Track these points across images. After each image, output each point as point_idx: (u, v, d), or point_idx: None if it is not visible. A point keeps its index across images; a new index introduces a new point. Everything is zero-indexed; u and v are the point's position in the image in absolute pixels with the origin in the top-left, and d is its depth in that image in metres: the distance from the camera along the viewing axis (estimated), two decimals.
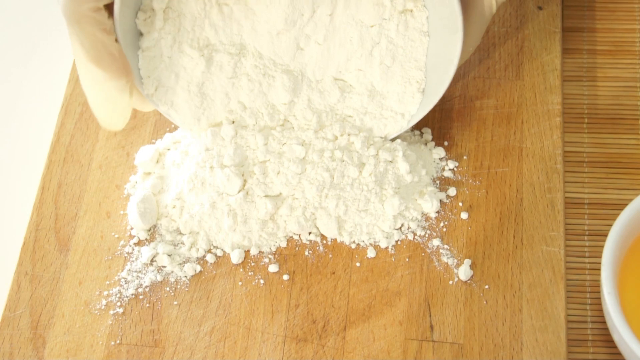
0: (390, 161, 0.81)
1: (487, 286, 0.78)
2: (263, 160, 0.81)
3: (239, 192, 0.80)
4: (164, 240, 0.81)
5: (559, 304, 0.77)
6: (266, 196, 0.80)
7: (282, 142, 0.81)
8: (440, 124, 0.86)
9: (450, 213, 0.82)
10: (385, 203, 0.81)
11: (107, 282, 0.80)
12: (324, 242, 0.81)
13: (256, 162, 0.81)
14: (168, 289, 0.80)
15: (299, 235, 0.81)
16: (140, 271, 0.80)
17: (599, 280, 0.78)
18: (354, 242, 0.81)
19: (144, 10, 0.79)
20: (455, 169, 0.84)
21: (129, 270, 0.80)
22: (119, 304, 0.79)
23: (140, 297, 0.79)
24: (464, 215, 0.82)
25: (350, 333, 0.77)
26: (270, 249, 0.81)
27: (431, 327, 0.77)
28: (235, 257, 0.80)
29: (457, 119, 0.87)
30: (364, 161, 0.81)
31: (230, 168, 0.80)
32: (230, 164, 0.80)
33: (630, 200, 0.77)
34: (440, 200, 0.83)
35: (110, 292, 0.80)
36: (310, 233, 0.81)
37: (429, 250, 0.80)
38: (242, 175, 0.80)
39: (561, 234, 0.80)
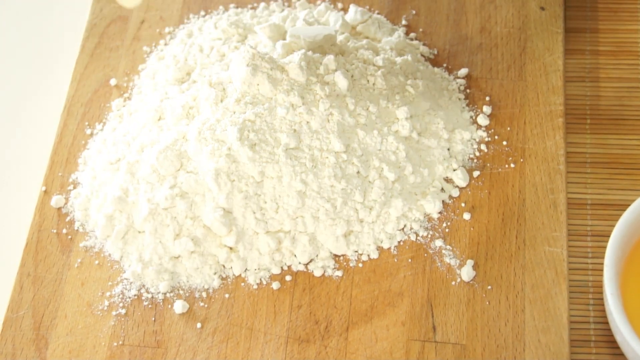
0: (394, 181, 0.81)
1: (489, 287, 0.78)
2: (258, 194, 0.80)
3: (229, 232, 0.80)
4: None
5: (562, 304, 0.77)
6: (267, 233, 0.80)
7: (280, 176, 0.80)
8: None
9: (452, 214, 0.82)
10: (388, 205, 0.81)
11: (110, 283, 0.80)
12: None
13: (250, 198, 0.80)
14: (170, 289, 0.80)
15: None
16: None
17: (601, 281, 0.78)
18: (356, 251, 0.81)
19: None
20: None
21: (132, 271, 0.80)
22: (121, 304, 0.79)
23: (143, 297, 0.79)
24: (466, 216, 0.82)
25: (353, 334, 0.77)
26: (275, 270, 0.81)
27: (434, 327, 0.77)
28: (237, 270, 0.80)
29: None
30: (370, 180, 0.81)
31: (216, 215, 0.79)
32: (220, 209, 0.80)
33: (633, 200, 0.77)
34: (443, 201, 0.83)
35: (113, 292, 0.80)
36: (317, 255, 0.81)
37: (431, 251, 0.80)
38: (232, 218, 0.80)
39: (564, 234, 0.80)
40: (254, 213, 0.79)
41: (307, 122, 0.80)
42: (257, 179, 0.79)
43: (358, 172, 0.80)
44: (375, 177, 0.81)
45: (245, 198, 0.79)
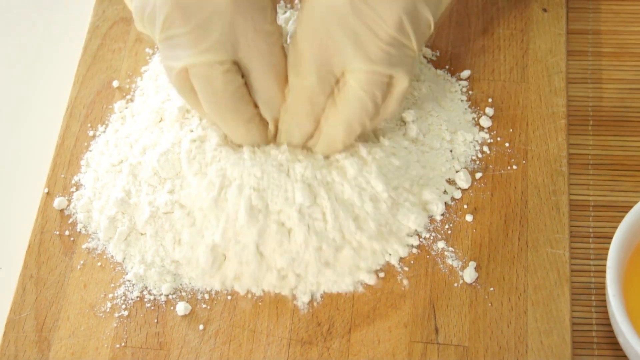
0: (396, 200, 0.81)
1: (492, 289, 0.78)
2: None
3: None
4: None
5: (564, 306, 0.77)
6: (267, 270, 0.79)
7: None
8: None
9: (455, 215, 0.82)
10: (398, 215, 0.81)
11: (112, 285, 0.80)
12: None
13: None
14: (173, 291, 0.80)
15: None
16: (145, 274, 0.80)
17: (604, 283, 0.78)
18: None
19: None
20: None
21: (134, 272, 0.80)
22: (124, 306, 0.79)
23: (145, 299, 0.79)
24: (468, 218, 0.82)
25: (355, 336, 0.77)
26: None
27: (436, 329, 0.77)
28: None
29: None
30: (366, 211, 0.79)
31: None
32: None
33: (636, 202, 0.77)
34: (445, 203, 0.82)
35: (115, 294, 0.80)
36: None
37: (433, 253, 0.80)
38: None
39: (566, 236, 0.80)
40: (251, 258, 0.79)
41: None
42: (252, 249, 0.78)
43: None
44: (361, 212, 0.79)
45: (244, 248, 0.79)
